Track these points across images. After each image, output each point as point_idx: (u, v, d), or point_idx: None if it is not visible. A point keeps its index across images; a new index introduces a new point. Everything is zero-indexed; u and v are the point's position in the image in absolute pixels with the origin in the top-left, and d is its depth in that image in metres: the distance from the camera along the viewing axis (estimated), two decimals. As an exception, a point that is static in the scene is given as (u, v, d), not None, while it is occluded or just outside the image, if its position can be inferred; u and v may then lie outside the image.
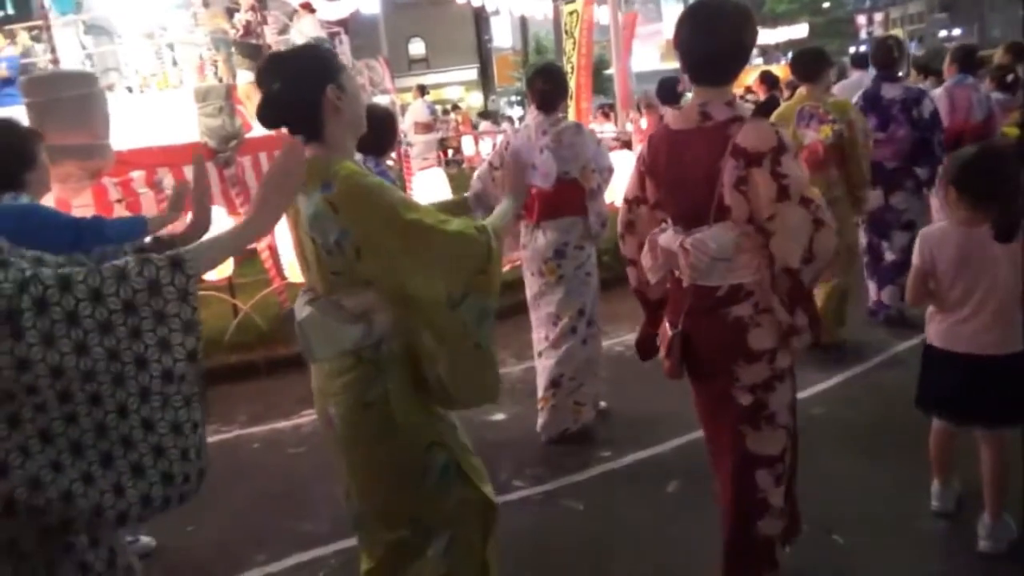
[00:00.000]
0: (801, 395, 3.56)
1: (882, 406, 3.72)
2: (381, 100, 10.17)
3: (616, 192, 4.88)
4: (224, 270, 5.62)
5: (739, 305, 2.19)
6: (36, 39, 9.71)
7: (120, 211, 5.53)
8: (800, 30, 36.29)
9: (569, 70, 8.10)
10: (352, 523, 2.13)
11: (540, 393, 3.85)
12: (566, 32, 8.54)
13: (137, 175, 5.83)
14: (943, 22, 47.47)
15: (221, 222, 5.42)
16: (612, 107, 13.88)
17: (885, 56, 5.04)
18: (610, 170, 3.97)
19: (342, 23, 11.97)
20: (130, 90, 9.39)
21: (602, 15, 11.03)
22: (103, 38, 10.38)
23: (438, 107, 18.68)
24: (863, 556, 2.70)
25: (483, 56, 31.44)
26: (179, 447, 1.37)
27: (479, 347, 1.90)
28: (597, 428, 3.95)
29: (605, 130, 12.28)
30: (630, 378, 4.50)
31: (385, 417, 1.87)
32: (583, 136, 3.75)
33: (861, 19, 42.85)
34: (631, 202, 2.47)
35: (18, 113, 4.47)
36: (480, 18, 28.82)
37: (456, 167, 15.47)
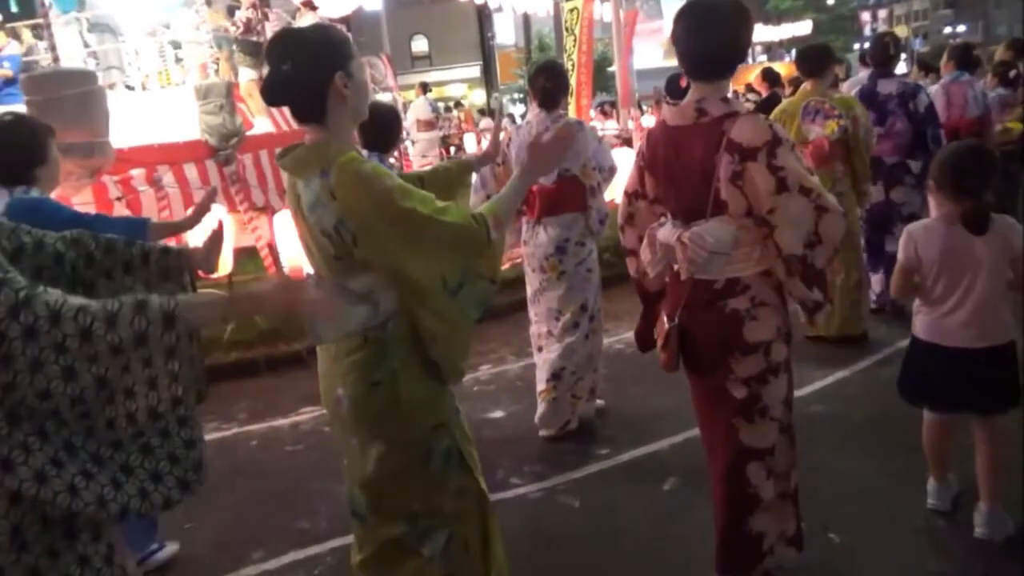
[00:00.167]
0: (800, 392, 3.57)
1: (881, 403, 3.70)
2: (384, 98, 10.16)
3: (616, 190, 4.88)
4: (224, 267, 5.63)
5: (736, 298, 2.23)
6: (39, 37, 9.71)
7: (120, 209, 5.54)
8: (804, 27, 36.17)
9: (570, 67, 8.09)
10: (350, 512, 2.13)
11: (541, 386, 3.86)
12: (567, 29, 8.52)
13: (137, 173, 5.84)
14: (947, 18, 47.34)
15: (221, 219, 5.46)
16: (613, 105, 13.89)
17: (881, 53, 5.08)
18: (612, 170, 3.96)
19: (345, 20, 11.95)
20: (131, 88, 9.39)
21: (604, 12, 11.03)
22: (107, 35, 10.37)
23: (440, 104, 18.67)
24: (859, 554, 2.69)
25: (486, 53, 31.37)
26: (170, 454, 1.39)
27: (471, 324, 1.95)
28: (595, 425, 3.95)
29: (607, 127, 12.28)
30: (629, 376, 4.50)
31: (393, 395, 1.89)
32: (584, 134, 3.75)
33: (865, 16, 42.74)
34: (631, 195, 2.50)
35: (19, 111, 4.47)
36: (483, 15, 28.74)
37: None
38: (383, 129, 3.22)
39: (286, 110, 1.96)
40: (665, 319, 2.38)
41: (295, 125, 1.93)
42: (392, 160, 3.66)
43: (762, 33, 36.69)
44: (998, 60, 6.64)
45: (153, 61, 9.89)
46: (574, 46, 8.22)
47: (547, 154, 2.03)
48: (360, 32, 16.77)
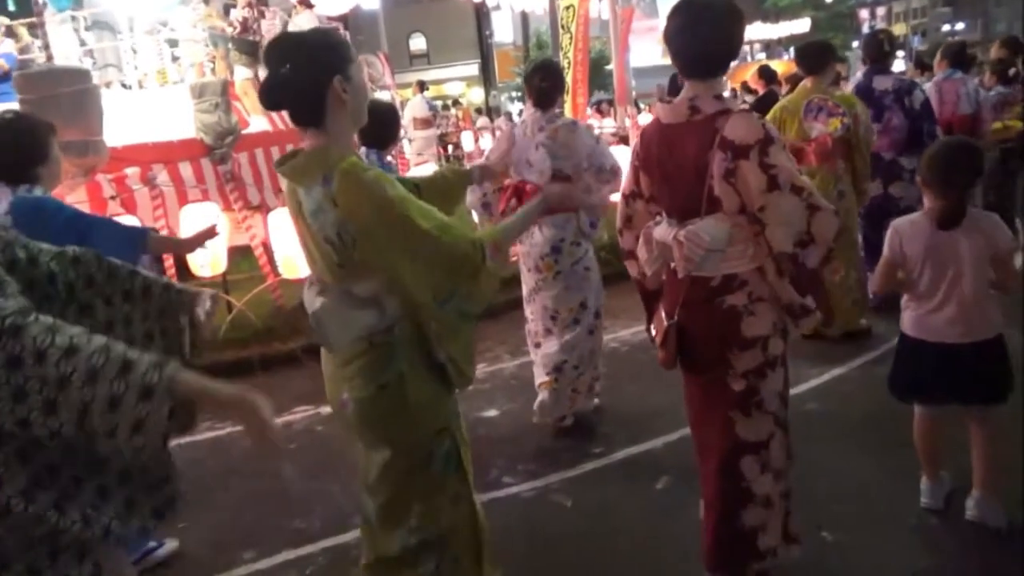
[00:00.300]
0: (795, 390, 3.55)
1: (877, 400, 3.67)
2: (381, 96, 10.14)
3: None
4: (218, 266, 5.62)
5: (733, 294, 2.24)
6: (35, 35, 9.68)
7: (114, 207, 5.52)
8: (802, 25, 36.19)
9: (566, 65, 8.06)
10: (361, 517, 2.16)
11: (541, 378, 3.86)
12: (563, 27, 8.49)
13: (131, 171, 5.82)
14: (946, 16, 47.30)
15: (216, 218, 5.44)
16: (611, 103, 13.87)
17: (876, 49, 5.11)
18: (614, 170, 3.75)
19: (342, 18, 11.93)
20: (126, 86, 9.37)
21: (602, 10, 11.00)
22: (106, 33, 10.36)
23: (438, 103, 18.64)
24: (853, 553, 2.69)
25: (484, 51, 31.38)
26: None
27: (467, 341, 1.97)
28: (591, 423, 3.94)
29: (604, 125, 12.26)
30: (624, 374, 4.50)
31: (399, 398, 1.90)
32: (577, 134, 3.73)
33: (864, 13, 42.65)
34: (627, 197, 2.51)
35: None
36: (481, 13, 28.74)
37: (457, 163, 15.45)
38: (381, 127, 3.24)
39: (283, 109, 1.95)
40: (663, 317, 2.39)
41: (292, 124, 1.92)
42: (389, 158, 3.66)
43: (760, 31, 36.72)
44: (993, 58, 6.69)
45: (151, 60, 9.88)
46: (570, 44, 8.20)
47: (564, 198, 2.07)
48: (358, 30, 16.75)
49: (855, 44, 30.26)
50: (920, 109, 4.82)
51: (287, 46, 1.86)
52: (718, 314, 2.25)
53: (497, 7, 15.68)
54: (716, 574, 2.43)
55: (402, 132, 11.07)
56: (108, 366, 1.23)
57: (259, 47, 8.15)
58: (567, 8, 8.24)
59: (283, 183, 1.97)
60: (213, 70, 8.53)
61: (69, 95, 5.07)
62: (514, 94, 30.89)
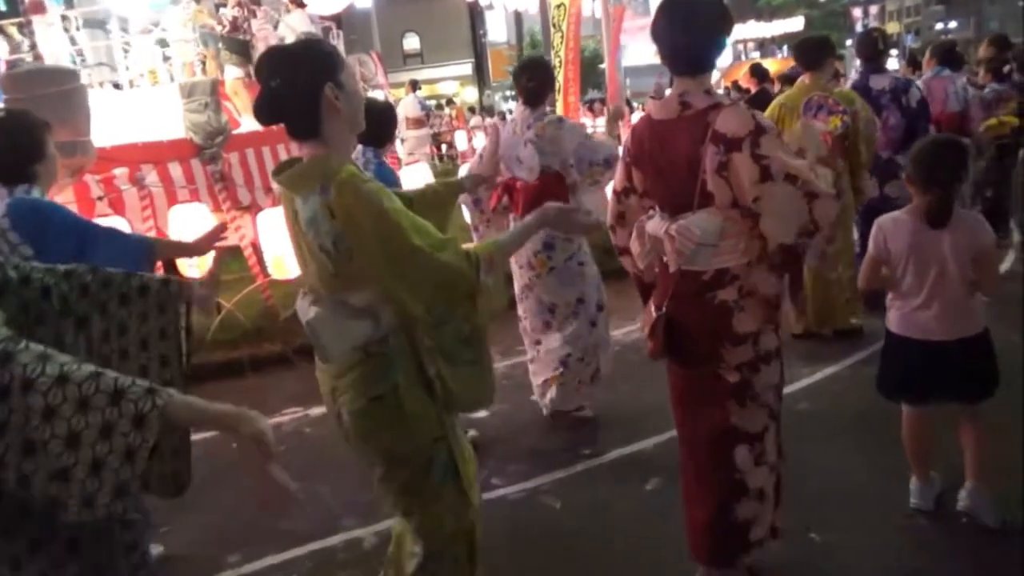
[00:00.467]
0: (788, 389, 3.52)
1: (867, 401, 3.65)
2: (374, 95, 10.12)
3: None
4: (206, 265, 5.57)
5: (724, 289, 2.24)
6: (24, 35, 9.62)
7: (102, 208, 5.47)
8: (796, 23, 36.26)
9: (557, 64, 8.02)
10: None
11: (548, 374, 3.87)
12: (554, 25, 8.45)
13: (120, 172, 5.76)
14: (939, 15, 47.47)
15: (205, 219, 5.40)
16: (603, 102, 13.86)
17: (870, 48, 5.12)
18: (607, 161, 3.69)
19: (335, 18, 11.90)
20: (118, 86, 9.32)
21: (595, 9, 10.98)
22: (98, 32, 10.31)
23: (432, 102, 18.62)
24: (842, 553, 2.68)
25: (478, 51, 31.37)
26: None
27: (472, 363, 1.91)
28: (583, 423, 3.93)
29: (597, 124, 12.26)
30: (615, 374, 4.45)
31: (395, 409, 1.88)
32: (563, 131, 3.72)
33: (857, 12, 42.73)
34: (619, 194, 2.51)
35: None
36: (474, 12, 28.76)
37: (450, 162, 15.42)
38: (378, 125, 3.27)
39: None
40: (652, 309, 2.40)
41: (290, 137, 1.89)
42: (385, 157, 3.66)
43: (754, 29, 36.80)
44: (981, 57, 6.72)
45: (145, 59, 9.83)
46: (561, 42, 8.15)
47: (563, 222, 2.08)
48: (351, 30, 16.73)
49: (848, 42, 30.25)
50: (916, 107, 4.83)
51: (275, 60, 1.84)
52: (709, 309, 2.25)
53: (490, 6, 15.70)
54: (710, 567, 2.43)
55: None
56: (98, 396, 1.22)
57: (250, 46, 8.11)
58: (558, 7, 8.20)
59: (278, 190, 1.94)
60: (204, 70, 8.47)
61: (56, 95, 5.01)
62: (508, 93, 30.85)
